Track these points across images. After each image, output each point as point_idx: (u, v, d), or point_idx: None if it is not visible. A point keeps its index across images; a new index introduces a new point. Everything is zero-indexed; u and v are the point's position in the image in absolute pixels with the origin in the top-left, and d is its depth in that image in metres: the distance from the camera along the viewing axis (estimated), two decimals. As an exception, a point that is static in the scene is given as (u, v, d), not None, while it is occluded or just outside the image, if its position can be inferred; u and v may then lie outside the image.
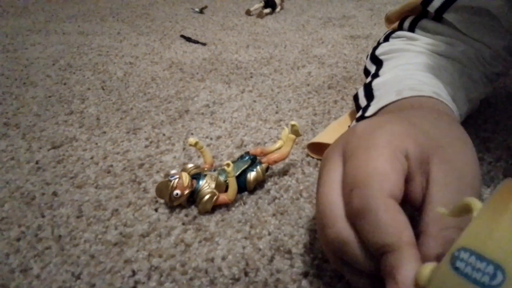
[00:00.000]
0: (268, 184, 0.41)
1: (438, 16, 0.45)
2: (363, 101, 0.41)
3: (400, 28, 0.49)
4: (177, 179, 0.36)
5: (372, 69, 0.47)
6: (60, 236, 0.35)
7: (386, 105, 0.36)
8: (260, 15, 1.12)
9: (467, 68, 0.45)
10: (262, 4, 1.16)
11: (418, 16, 0.47)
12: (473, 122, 0.51)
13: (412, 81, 0.38)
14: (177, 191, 0.36)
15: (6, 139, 0.50)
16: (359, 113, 0.40)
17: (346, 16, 1.13)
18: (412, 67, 0.42)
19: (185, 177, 0.37)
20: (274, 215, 0.37)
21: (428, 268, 0.19)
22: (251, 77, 0.68)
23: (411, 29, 0.48)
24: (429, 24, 0.46)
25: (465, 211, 0.19)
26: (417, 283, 0.19)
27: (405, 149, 0.24)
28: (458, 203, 0.19)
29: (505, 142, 0.46)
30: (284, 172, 0.43)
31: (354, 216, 0.23)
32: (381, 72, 0.44)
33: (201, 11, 1.18)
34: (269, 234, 0.34)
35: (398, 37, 0.49)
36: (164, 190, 0.36)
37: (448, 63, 0.44)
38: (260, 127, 0.52)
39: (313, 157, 0.45)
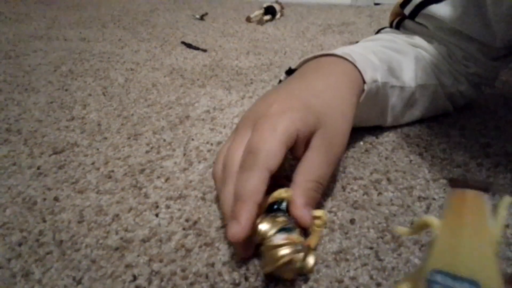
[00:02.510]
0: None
1: (412, 19, 0.52)
2: None
3: (390, 26, 0.57)
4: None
5: None
6: (61, 241, 0.35)
7: (305, 60, 0.44)
8: (260, 22, 1.12)
9: (434, 58, 0.50)
10: (262, 11, 1.17)
11: (403, 18, 0.54)
12: (472, 127, 0.51)
13: (342, 49, 0.45)
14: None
15: (8, 145, 0.50)
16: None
17: (346, 23, 1.14)
18: (362, 43, 0.51)
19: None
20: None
21: None
22: (251, 83, 0.69)
23: (397, 27, 0.55)
24: (410, 24, 0.53)
25: (423, 227, 0.19)
26: None
27: (296, 132, 0.32)
28: (417, 222, 0.20)
29: (504, 147, 0.47)
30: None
31: (241, 168, 0.32)
32: None
33: (202, 18, 1.19)
34: (270, 239, 0.35)
35: (385, 32, 0.56)
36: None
37: (414, 50, 0.50)
38: (261, 133, 0.52)
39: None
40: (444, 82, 0.51)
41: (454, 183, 0.19)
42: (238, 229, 0.29)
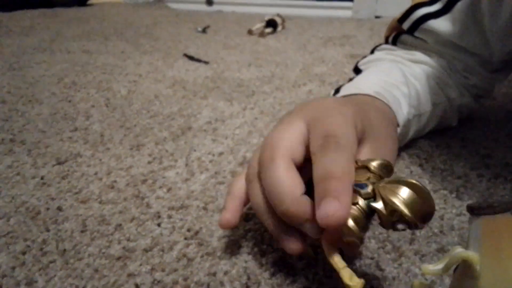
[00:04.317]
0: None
1: (411, 34, 0.52)
2: (331, 94, 0.51)
3: (386, 42, 0.56)
4: None
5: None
6: (64, 250, 0.35)
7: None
8: (262, 35, 1.14)
9: (438, 73, 0.51)
10: (263, 24, 1.18)
11: (400, 32, 0.54)
12: (473, 139, 0.52)
13: (364, 83, 0.46)
14: None
15: (12, 155, 0.51)
16: None
17: (347, 36, 1.15)
18: (375, 71, 0.50)
19: None
20: (276, 230, 0.37)
21: None
22: (253, 95, 0.69)
23: (394, 43, 0.55)
24: (408, 39, 0.53)
25: (457, 263, 0.18)
26: None
27: (356, 122, 0.30)
28: (450, 258, 0.19)
29: (504, 159, 0.47)
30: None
31: (323, 150, 0.27)
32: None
33: (204, 31, 1.20)
34: (273, 250, 0.35)
35: (382, 49, 0.56)
36: None
37: (418, 68, 0.50)
38: (262, 144, 0.52)
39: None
40: (451, 95, 0.51)
41: (477, 210, 0.18)
42: (339, 208, 0.24)
